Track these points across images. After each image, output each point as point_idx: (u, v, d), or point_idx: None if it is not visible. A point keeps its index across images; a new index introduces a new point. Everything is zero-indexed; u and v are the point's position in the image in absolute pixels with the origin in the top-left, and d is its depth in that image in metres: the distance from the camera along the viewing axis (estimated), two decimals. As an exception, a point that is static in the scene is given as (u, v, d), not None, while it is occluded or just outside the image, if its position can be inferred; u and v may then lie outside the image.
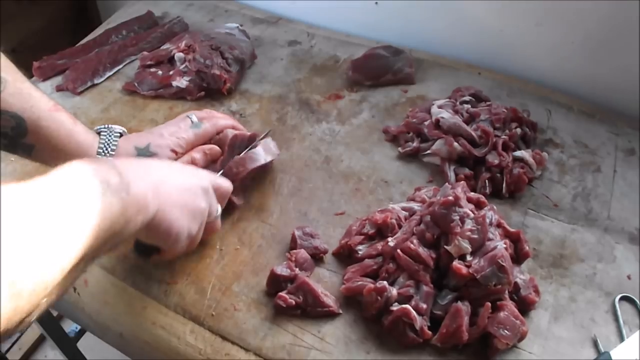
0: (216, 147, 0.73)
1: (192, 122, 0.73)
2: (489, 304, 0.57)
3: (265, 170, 0.77)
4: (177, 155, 0.70)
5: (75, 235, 0.37)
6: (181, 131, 0.71)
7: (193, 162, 0.70)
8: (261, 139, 0.75)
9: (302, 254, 0.65)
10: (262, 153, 0.73)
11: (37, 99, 0.62)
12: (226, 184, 0.64)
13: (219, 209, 0.63)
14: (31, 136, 0.61)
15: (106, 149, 0.66)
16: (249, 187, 0.75)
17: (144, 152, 0.68)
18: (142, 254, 0.62)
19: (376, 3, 1.00)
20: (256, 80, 0.94)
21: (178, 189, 0.55)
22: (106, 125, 0.68)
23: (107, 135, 0.67)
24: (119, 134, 0.68)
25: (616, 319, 0.61)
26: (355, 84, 0.93)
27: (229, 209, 0.70)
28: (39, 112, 0.61)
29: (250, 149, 0.72)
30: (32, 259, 0.33)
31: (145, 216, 0.48)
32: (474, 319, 0.57)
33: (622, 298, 0.63)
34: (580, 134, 0.84)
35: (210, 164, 0.73)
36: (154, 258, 0.62)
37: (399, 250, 0.60)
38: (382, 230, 0.66)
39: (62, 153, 0.63)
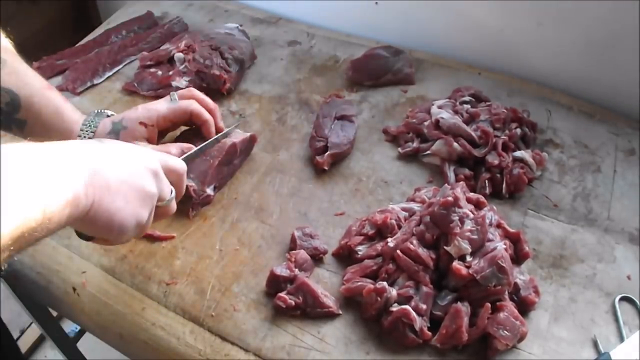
0: (193, 147, 0.71)
1: (171, 98, 0.73)
2: (488, 304, 0.57)
3: (247, 156, 0.79)
4: (146, 127, 0.70)
5: None
6: (156, 104, 0.72)
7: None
8: (227, 131, 0.77)
9: (302, 254, 0.65)
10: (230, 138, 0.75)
11: (31, 78, 0.66)
12: (179, 164, 0.58)
13: (172, 191, 0.56)
14: (24, 112, 0.66)
15: (89, 127, 0.69)
16: (230, 175, 0.76)
17: (117, 126, 0.70)
18: (83, 237, 0.55)
19: (376, 3, 1.00)
20: (256, 80, 0.94)
21: (120, 174, 0.48)
22: (99, 110, 0.73)
23: (93, 116, 0.71)
24: (106, 116, 0.72)
25: (616, 320, 0.61)
26: (355, 84, 0.93)
27: (205, 202, 0.72)
28: (32, 90, 0.65)
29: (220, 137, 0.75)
30: None
31: (73, 211, 0.42)
32: (474, 320, 0.57)
33: (622, 298, 0.63)
34: (580, 134, 0.84)
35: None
36: (98, 241, 0.55)
37: (398, 251, 0.60)
38: (381, 231, 0.66)
39: (52, 129, 0.67)
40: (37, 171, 0.39)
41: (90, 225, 0.46)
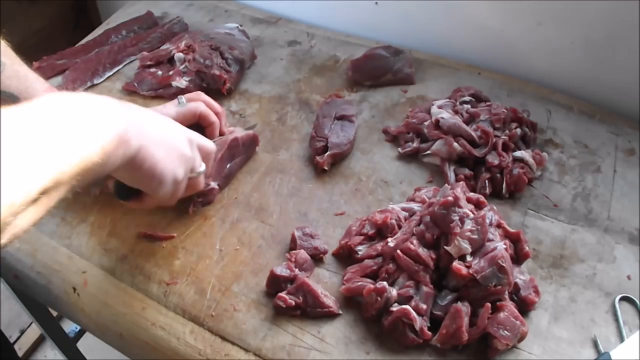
0: None
1: (179, 102, 0.73)
2: (488, 304, 0.57)
3: (249, 158, 0.79)
4: None
5: (45, 160, 0.38)
6: (165, 108, 0.72)
7: None
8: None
9: (302, 254, 0.65)
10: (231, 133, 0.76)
11: (32, 81, 0.66)
12: (210, 144, 0.65)
13: (202, 166, 0.63)
14: None
15: None
16: (232, 175, 0.76)
17: None
18: (121, 196, 0.61)
19: (376, 3, 1.00)
20: (256, 80, 0.94)
21: (163, 130, 0.56)
22: None
23: None
24: None
25: (616, 320, 0.61)
26: (355, 84, 0.93)
27: (208, 196, 0.72)
28: (35, 93, 0.65)
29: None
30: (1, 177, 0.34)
31: (126, 151, 0.48)
32: (474, 320, 0.57)
33: (622, 298, 0.63)
34: (580, 134, 0.84)
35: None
36: (134, 202, 0.61)
37: (398, 251, 0.60)
38: (382, 231, 0.66)
39: None
40: (94, 114, 0.45)
41: (135, 171, 0.52)
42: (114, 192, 0.62)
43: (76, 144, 0.41)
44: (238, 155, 0.76)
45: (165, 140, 0.55)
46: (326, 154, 0.77)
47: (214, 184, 0.72)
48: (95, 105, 0.46)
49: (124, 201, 0.63)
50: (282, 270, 0.63)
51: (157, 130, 0.55)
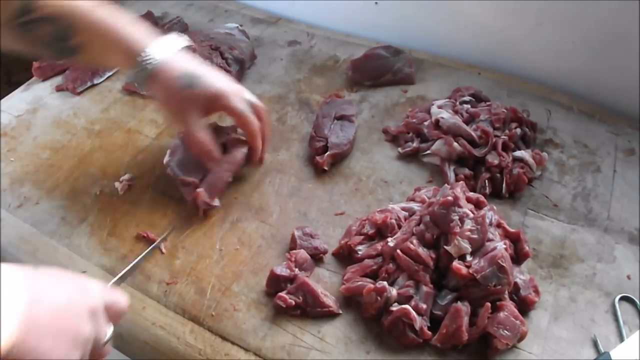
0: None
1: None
2: (488, 304, 0.57)
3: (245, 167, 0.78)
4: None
5: None
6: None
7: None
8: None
9: (302, 254, 0.65)
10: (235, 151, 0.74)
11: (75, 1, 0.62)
12: (122, 300, 0.53)
13: (108, 333, 0.51)
14: (76, 39, 0.62)
15: (150, 59, 0.64)
16: (229, 184, 0.75)
17: (194, 81, 0.66)
18: None
19: (376, 3, 1.00)
20: (256, 80, 0.94)
21: (56, 310, 0.44)
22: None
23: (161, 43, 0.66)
24: (179, 47, 0.68)
25: (616, 319, 0.61)
26: (355, 84, 0.93)
27: (207, 211, 0.71)
28: (81, 11, 0.62)
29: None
30: None
31: None
32: (474, 319, 0.57)
33: (622, 298, 0.63)
34: (580, 134, 0.84)
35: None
36: None
37: (398, 251, 0.60)
38: (381, 231, 0.66)
39: (109, 51, 0.64)
40: None
41: None
42: None
43: None
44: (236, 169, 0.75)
45: (57, 322, 0.44)
46: (326, 154, 0.77)
47: (216, 202, 0.72)
48: None
49: None
50: (282, 270, 0.63)
51: (48, 310, 0.43)
